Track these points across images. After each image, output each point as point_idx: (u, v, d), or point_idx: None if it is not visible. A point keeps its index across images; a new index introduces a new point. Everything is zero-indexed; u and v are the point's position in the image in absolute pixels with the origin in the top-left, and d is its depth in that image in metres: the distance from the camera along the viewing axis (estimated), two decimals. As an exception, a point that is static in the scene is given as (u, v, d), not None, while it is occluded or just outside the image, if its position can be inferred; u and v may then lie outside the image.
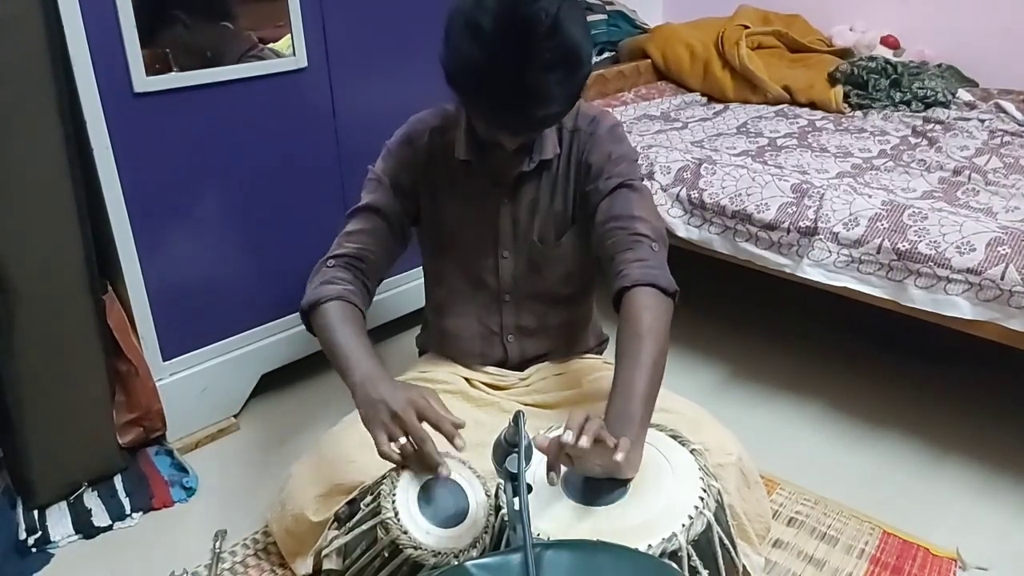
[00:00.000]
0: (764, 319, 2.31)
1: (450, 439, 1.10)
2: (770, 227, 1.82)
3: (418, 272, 1.61)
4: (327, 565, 1.22)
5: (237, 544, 1.51)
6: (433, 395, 1.15)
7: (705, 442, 1.19)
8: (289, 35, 1.73)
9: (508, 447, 1.00)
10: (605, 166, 1.31)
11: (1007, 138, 2.17)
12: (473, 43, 1.08)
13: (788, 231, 1.79)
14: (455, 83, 1.15)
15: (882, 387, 1.98)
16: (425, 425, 1.11)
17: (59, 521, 1.56)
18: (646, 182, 1.97)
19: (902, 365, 2.05)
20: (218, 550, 1.49)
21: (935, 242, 1.60)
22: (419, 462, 1.12)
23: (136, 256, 1.62)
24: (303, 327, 1.35)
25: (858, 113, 2.49)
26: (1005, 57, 2.69)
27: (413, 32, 1.92)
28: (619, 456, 0.99)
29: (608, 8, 3.00)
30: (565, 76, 1.11)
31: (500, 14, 1.07)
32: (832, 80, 2.59)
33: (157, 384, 1.70)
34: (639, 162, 1.48)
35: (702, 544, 1.01)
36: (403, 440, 1.10)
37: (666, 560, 0.95)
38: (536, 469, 1.08)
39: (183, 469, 1.70)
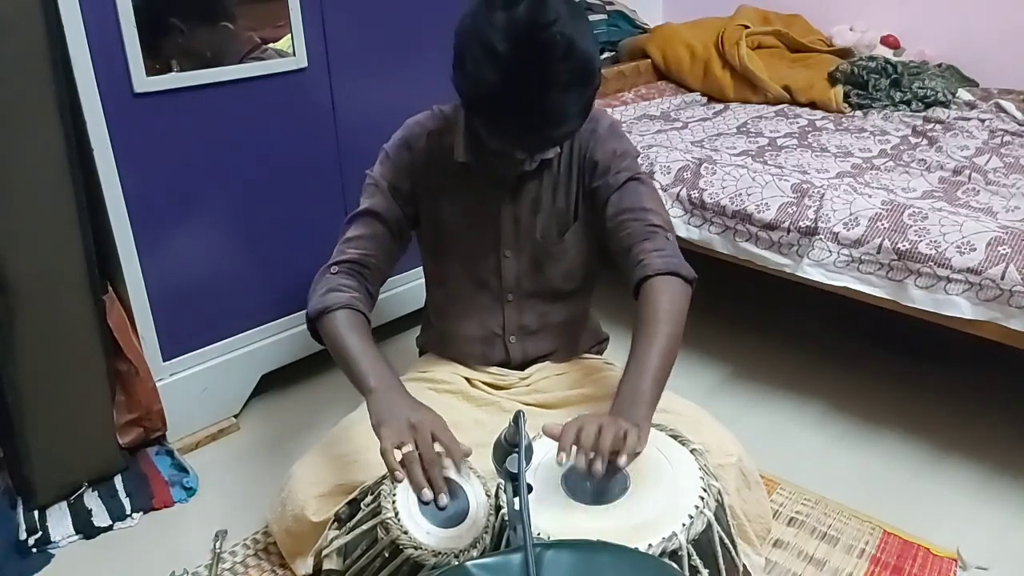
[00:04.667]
0: (764, 319, 2.31)
1: (455, 461, 1.11)
2: (770, 227, 1.82)
3: (418, 272, 1.61)
4: (327, 565, 1.21)
5: (237, 544, 1.51)
6: (444, 423, 1.16)
7: (705, 443, 1.19)
8: (289, 35, 1.73)
9: (508, 447, 1.00)
10: (612, 162, 1.33)
11: (1007, 138, 2.17)
12: (490, 69, 1.07)
13: (788, 231, 1.79)
14: (474, 108, 1.16)
15: (882, 387, 1.97)
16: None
17: (59, 521, 1.56)
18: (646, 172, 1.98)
19: (902, 365, 2.05)
20: (218, 550, 1.49)
21: (935, 242, 1.60)
22: (419, 479, 1.09)
23: (136, 256, 1.62)
24: (303, 327, 1.35)
25: (858, 113, 2.48)
26: (1005, 57, 2.69)
27: (413, 32, 1.91)
28: (622, 461, 1.01)
29: (608, 8, 3.00)
30: (581, 92, 1.12)
31: (516, 39, 1.06)
32: (832, 80, 2.59)
33: (157, 384, 1.70)
34: (639, 159, 1.49)
35: (702, 544, 1.01)
36: (408, 448, 1.09)
37: (666, 560, 0.95)
38: (536, 469, 1.08)
39: (183, 469, 1.70)
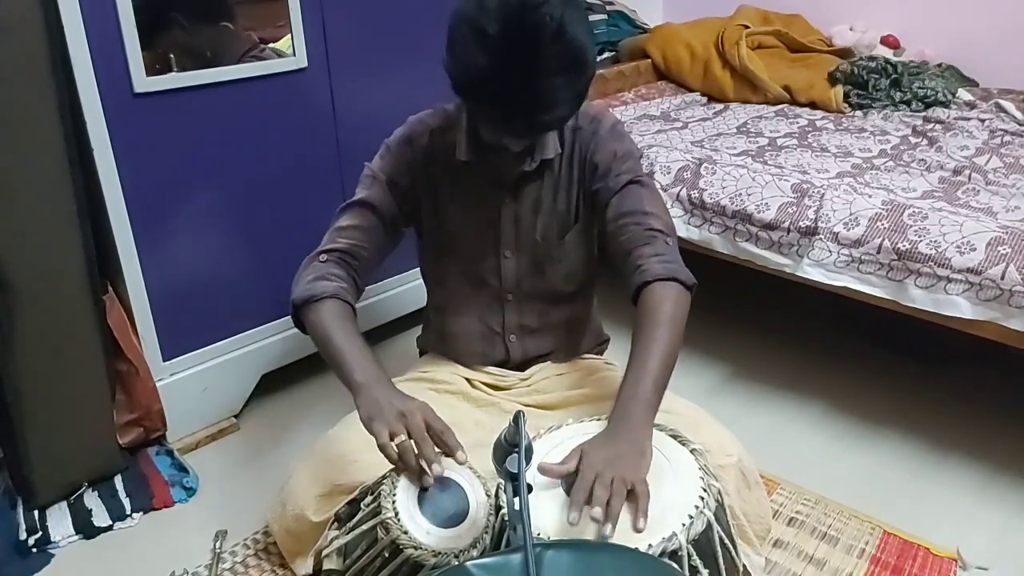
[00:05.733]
0: (764, 319, 2.31)
1: (452, 453, 1.10)
2: (770, 227, 1.82)
3: (418, 272, 1.60)
4: (327, 565, 1.21)
5: (237, 544, 1.51)
6: (432, 408, 1.15)
7: (705, 443, 1.19)
8: (289, 35, 1.73)
9: (508, 447, 1.00)
10: (612, 164, 1.32)
11: (1007, 138, 2.17)
12: (479, 51, 1.07)
13: (788, 231, 1.79)
14: (462, 91, 1.15)
15: (882, 387, 1.97)
16: None
17: (59, 521, 1.56)
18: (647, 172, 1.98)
19: (902, 365, 2.05)
20: (218, 550, 1.49)
21: (935, 242, 1.60)
22: (413, 465, 1.10)
23: (136, 256, 1.62)
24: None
25: (858, 113, 2.48)
26: (1005, 57, 2.69)
27: (413, 32, 1.92)
28: (640, 524, 0.98)
29: (608, 8, 3.00)
30: (572, 79, 1.11)
31: (506, 21, 1.06)
32: (832, 80, 2.59)
33: (157, 384, 1.70)
34: (642, 158, 1.48)
35: (702, 543, 1.01)
36: (403, 437, 1.09)
37: (666, 560, 0.95)
38: (536, 469, 1.08)
39: (183, 469, 1.70)
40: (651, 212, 1.28)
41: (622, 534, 0.97)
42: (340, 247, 1.33)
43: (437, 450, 1.11)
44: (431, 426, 1.11)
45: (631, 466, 1.03)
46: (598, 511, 0.96)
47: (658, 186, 2.01)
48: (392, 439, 1.09)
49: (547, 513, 1.02)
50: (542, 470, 1.05)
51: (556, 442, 1.15)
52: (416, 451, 1.09)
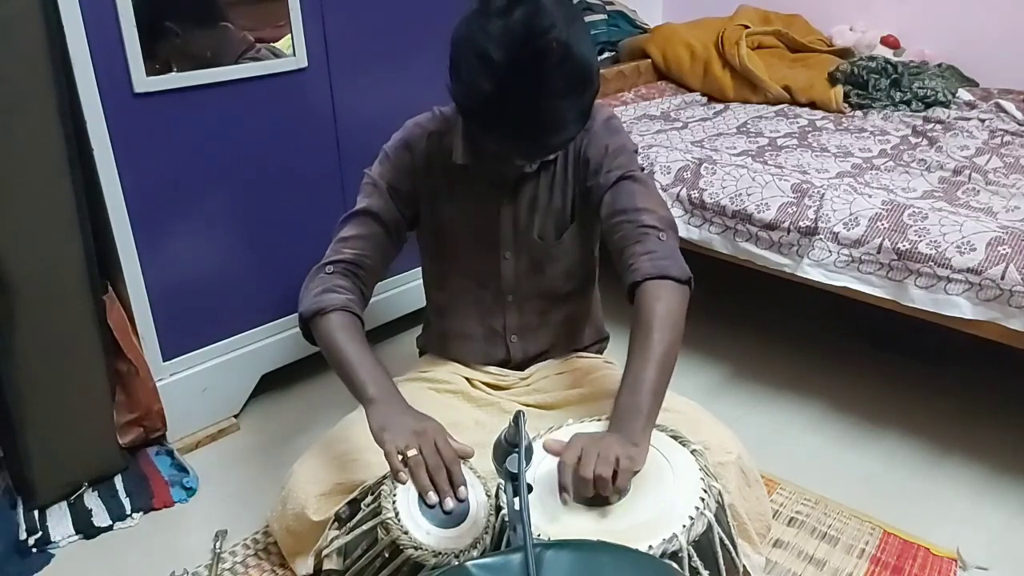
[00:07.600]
0: (764, 319, 2.31)
1: (454, 487, 1.10)
2: (770, 227, 1.82)
3: (418, 272, 1.61)
4: (327, 565, 1.22)
5: (237, 544, 1.51)
6: (446, 433, 1.15)
7: (705, 441, 1.19)
8: (289, 35, 1.73)
9: (508, 447, 1.00)
10: (604, 160, 1.31)
11: (1007, 138, 2.17)
12: (484, 77, 1.07)
13: (788, 231, 1.79)
14: (467, 115, 1.15)
15: (882, 387, 1.97)
16: None
17: (59, 521, 1.56)
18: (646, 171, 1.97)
19: (902, 365, 2.05)
20: (218, 550, 1.49)
21: (935, 242, 1.60)
22: (423, 481, 1.09)
23: (136, 256, 1.62)
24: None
25: (858, 113, 2.49)
26: (1005, 57, 2.69)
27: (413, 32, 1.92)
28: (613, 499, 1.02)
29: (608, 8, 3.00)
30: (578, 99, 1.11)
31: (511, 47, 1.05)
32: (832, 80, 2.59)
33: (157, 384, 1.70)
34: (638, 153, 1.48)
35: (703, 544, 1.01)
36: (412, 452, 1.09)
37: (667, 560, 0.95)
38: (536, 469, 1.08)
39: (183, 469, 1.70)
40: (643, 208, 1.27)
41: (622, 534, 0.97)
42: (345, 258, 1.33)
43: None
44: (442, 454, 1.11)
45: (618, 444, 1.04)
46: (588, 472, 1.00)
47: (658, 186, 2.01)
48: (402, 452, 1.09)
49: (548, 513, 1.02)
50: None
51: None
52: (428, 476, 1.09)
